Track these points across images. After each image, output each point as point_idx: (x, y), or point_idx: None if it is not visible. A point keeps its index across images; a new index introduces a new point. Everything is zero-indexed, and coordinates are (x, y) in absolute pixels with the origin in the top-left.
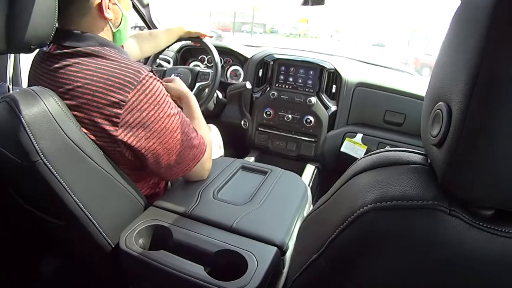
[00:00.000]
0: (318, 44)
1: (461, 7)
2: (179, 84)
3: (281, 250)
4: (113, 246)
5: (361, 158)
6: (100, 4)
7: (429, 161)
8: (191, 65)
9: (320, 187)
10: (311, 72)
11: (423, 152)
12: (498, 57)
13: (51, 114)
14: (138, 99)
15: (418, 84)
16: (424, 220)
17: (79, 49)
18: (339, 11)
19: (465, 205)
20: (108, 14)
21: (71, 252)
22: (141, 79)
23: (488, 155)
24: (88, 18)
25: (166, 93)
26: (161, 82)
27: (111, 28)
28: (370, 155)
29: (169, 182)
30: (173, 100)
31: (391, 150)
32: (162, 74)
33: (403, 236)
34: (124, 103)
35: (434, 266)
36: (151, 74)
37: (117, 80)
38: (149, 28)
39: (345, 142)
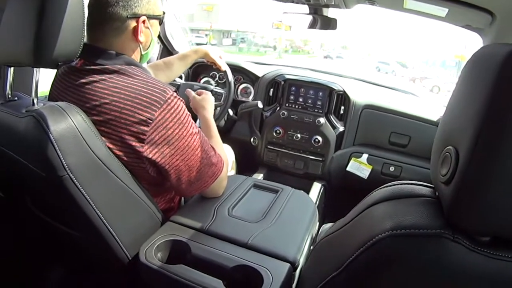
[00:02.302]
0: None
1: (470, 63)
2: (207, 100)
3: (293, 266)
4: (131, 259)
5: (377, 190)
6: (136, 28)
7: (436, 193)
8: (202, 80)
9: (326, 204)
10: (321, 93)
11: (431, 185)
12: (502, 114)
13: (78, 130)
14: (164, 118)
15: (423, 107)
16: (432, 245)
17: (107, 66)
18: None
19: (467, 233)
20: (141, 37)
21: (86, 263)
22: (167, 98)
23: (487, 194)
24: (122, 39)
25: (188, 113)
26: (184, 104)
27: (140, 50)
28: (385, 187)
29: (183, 198)
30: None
31: (404, 183)
32: (177, 89)
33: (414, 259)
34: (151, 121)
35: (439, 284)
36: (175, 94)
37: (144, 98)
38: (163, 44)
39: (351, 162)
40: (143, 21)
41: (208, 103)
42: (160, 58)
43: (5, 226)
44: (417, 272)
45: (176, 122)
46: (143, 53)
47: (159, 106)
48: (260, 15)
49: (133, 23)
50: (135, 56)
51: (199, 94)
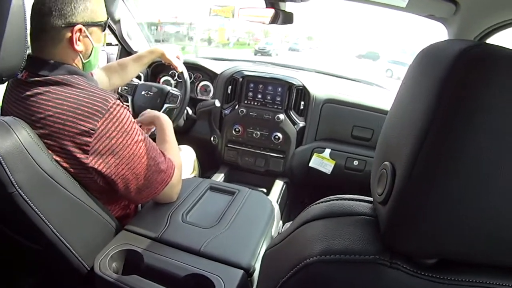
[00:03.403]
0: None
1: (416, 62)
2: (149, 112)
3: (248, 273)
4: (89, 269)
5: (314, 204)
6: (71, 37)
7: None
8: (162, 79)
9: (289, 201)
10: (280, 89)
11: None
12: (445, 126)
13: (23, 146)
14: (107, 127)
15: (387, 98)
16: (366, 273)
17: (49, 77)
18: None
19: (407, 257)
20: (78, 46)
21: (49, 275)
22: (108, 107)
23: (427, 214)
24: (60, 49)
25: (133, 120)
26: (128, 111)
27: (81, 59)
28: (323, 202)
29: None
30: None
31: (344, 198)
32: (134, 89)
33: (347, 286)
34: (93, 132)
35: None
36: (118, 102)
37: (86, 109)
38: (121, 44)
39: (314, 157)
40: (79, 30)
41: (151, 112)
42: (119, 59)
43: None
44: None
45: (120, 131)
46: (84, 61)
47: (101, 116)
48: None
49: (68, 33)
50: (77, 64)
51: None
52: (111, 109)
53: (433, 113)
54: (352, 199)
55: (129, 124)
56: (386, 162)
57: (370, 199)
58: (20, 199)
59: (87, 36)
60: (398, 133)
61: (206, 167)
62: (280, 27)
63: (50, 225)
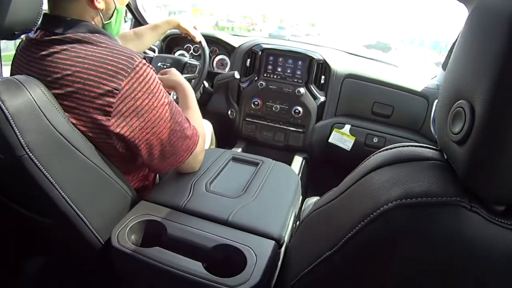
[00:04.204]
0: None
1: (477, 9)
2: (175, 74)
3: (278, 243)
4: (104, 243)
5: (374, 154)
6: None
7: (445, 157)
8: (177, 54)
9: (309, 178)
10: (300, 63)
11: (436, 148)
12: None
13: (37, 104)
14: (132, 87)
15: (405, 77)
16: (447, 216)
17: (68, 35)
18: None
19: (482, 201)
20: (99, 4)
21: (60, 250)
22: (134, 66)
23: (509, 153)
24: (79, 5)
25: (159, 81)
26: (155, 72)
27: (101, 19)
28: (385, 150)
29: (158, 175)
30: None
31: (406, 146)
32: (149, 62)
33: (427, 232)
34: (117, 91)
35: (454, 259)
36: (144, 61)
37: (109, 67)
38: (135, 16)
39: (333, 133)
40: None
41: (177, 74)
42: None
43: None
44: (430, 248)
45: (146, 92)
46: (105, 22)
47: (126, 75)
48: None
49: None
50: (97, 25)
51: (163, 75)
52: (137, 68)
53: (509, 47)
54: (415, 146)
55: (156, 85)
56: (462, 101)
57: (432, 146)
58: (30, 163)
59: None
60: (471, 71)
61: (223, 142)
62: (278, 11)
63: (63, 193)
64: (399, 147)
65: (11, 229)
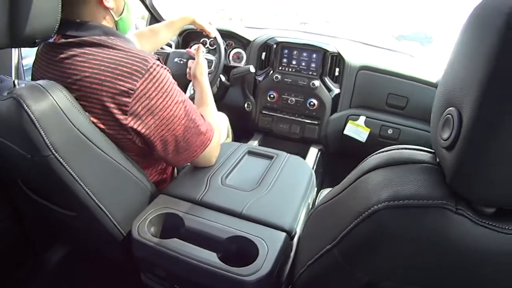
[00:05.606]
0: None
1: (473, 15)
2: (199, 66)
3: (290, 235)
4: (125, 234)
5: (373, 155)
6: None
7: (437, 160)
8: (193, 48)
9: (324, 169)
10: (314, 56)
11: (431, 150)
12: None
13: (60, 108)
14: (147, 87)
15: (420, 67)
16: (433, 218)
17: (84, 38)
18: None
19: (470, 204)
20: (108, 3)
21: (83, 241)
22: (148, 67)
23: (494, 159)
24: (89, 7)
25: (173, 80)
26: (169, 71)
27: (113, 16)
28: (382, 152)
29: (175, 168)
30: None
31: (401, 148)
32: (166, 57)
33: (413, 232)
34: (132, 92)
35: (440, 260)
36: (158, 62)
37: (125, 69)
38: (151, 13)
39: (348, 124)
40: None
41: (204, 68)
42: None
43: (1, 209)
44: (417, 247)
45: (160, 92)
46: (116, 19)
47: (141, 76)
48: None
49: None
50: (109, 24)
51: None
52: (151, 69)
53: (497, 54)
54: (411, 148)
55: (169, 84)
56: (451, 108)
57: (427, 149)
58: (56, 162)
59: None
60: (461, 79)
61: (239, 134)
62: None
63: (86, 188)
64: (395, 149)
65: (38, 221)
